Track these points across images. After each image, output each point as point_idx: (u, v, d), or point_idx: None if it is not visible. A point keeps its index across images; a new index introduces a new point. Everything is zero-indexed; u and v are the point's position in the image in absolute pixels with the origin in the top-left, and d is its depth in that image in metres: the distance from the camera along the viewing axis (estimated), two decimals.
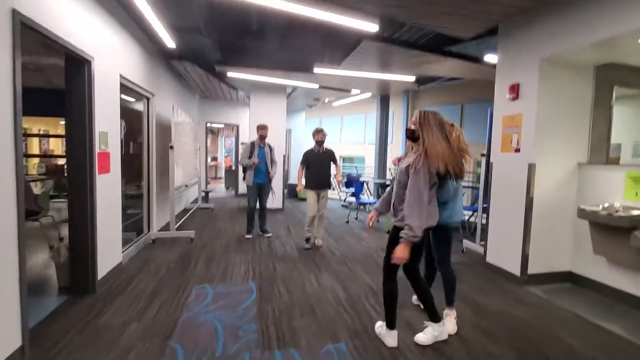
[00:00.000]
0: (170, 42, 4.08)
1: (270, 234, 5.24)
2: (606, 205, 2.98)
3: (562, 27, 3.11)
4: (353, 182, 8.70)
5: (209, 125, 9.22)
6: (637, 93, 4.35)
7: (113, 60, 3.41)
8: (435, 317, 2.39)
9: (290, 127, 10.50)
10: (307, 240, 4.67)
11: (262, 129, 4.95)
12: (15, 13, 1.97)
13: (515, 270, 3.60)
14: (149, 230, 4.87)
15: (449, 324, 2.53)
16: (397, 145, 11.64)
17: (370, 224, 2.53)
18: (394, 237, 2.23)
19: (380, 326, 2.47)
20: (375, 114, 8.33)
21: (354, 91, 7.61)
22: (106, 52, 3.23)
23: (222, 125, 11.44)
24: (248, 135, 7.32)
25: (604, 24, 2.75)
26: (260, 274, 3.67)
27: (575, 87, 3.50)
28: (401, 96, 10.66)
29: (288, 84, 6.40)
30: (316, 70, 5.16)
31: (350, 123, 11.13)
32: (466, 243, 4.70)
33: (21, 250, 2.06)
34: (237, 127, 9.33)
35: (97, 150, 3.04)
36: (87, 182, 2.94)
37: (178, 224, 5.70)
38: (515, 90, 3.59)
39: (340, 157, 15.59)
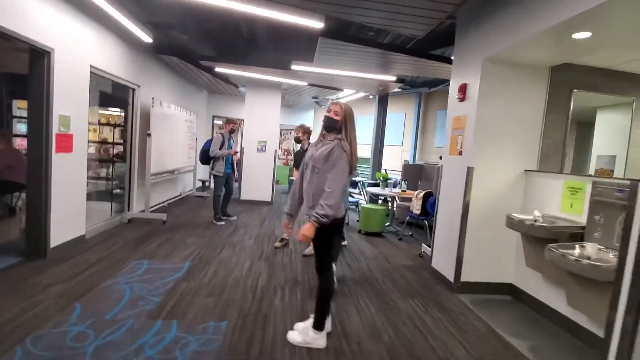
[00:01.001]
0: (146, 37, 4.42)
1: (234, 217, 5.68)
2: (536, 214, 2.81)
3: (505, 23, 2.91)
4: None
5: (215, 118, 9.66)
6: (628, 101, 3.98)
7: (81, 51, 3.79)
8: (319, 325, 2.28)
9: (296, 124, 10.69)
10: (282, 239, 4.47)
11: (233, 124, 5.21)
12: None
13: (451, 276, 3.49)
14: (128, 210, 5.29)
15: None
16: (407, 147, 11.44)
17: (287, 233, 2.53)
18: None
19: (301, 333, 2.32)
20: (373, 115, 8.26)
21: (349, 91, 7.62)
22: (71, 44, 3.61)
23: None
24: (246, 129, 7.60)
25: (540, 16, 2.52)
26: (201, 256, 3.88)
27: (527, 89, 3.31)
28: (413, 98, 10.48)
29: (274, 80, 6.58)
30: (293, 67, 5.29)
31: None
32: (424, 247, 4.59)
33: None
34: (242, 121, 9.67)
35: (54, 131, 3.42)
36: (43, 159, 3.33)
37: (159, 207, 6.12)
38: (462, 90, 3.48)
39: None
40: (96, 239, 4.18)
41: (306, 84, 6.69)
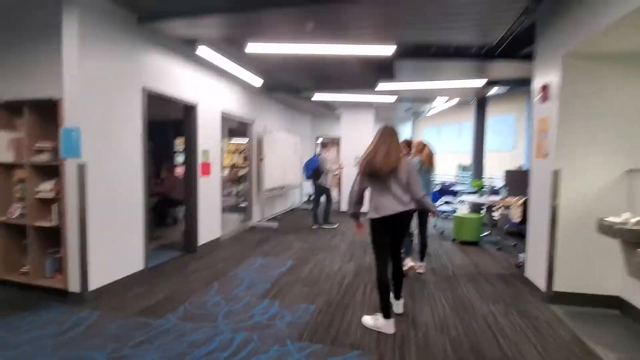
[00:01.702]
0: (257, 82, 5.60)
1: (336, 224, 6.50)
2: (627, 216, 2.57)
3: (582, 13, 2.71)
4: (444, 192, 8.55)
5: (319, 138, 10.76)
6: None
7: (215, 102, 5.13)
8: (384, 313, 2.62)
9: None
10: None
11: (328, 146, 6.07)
12: (144, 88, 3.69)
13: (542, 285, 3.33)
14: (250, 220, 6.56)
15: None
16: (520, 151, 10.37)
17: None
18: (391, 225, 2.65)
19: (373, 317, 2.72)
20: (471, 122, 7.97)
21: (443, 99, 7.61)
22: (209, 97, 4.95)
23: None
24: (343, 146, 8.37)
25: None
26: (302, 257, 4.64)
27: (620, 81, 3.01)
28: (524, 97, 9.56)
29: (364, 101, 7.14)
30: (379, 87, 5.78)
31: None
32: (523, 257, 4.34)
33: (144, 218, 3.76)
34: (339, 139, 10.54)
35: (200, 161, 4.74)
36: (193, 182, 4.66)
37: (273, 217, 7.29)
38: (544, 91, 3.37)
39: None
40: (227, 241, 5.43)
41: (394, 99, 7.05)
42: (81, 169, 3.06)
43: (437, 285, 3.69)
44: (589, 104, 3.07)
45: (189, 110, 4.62)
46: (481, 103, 7.57)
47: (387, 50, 3.96)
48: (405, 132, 11.18)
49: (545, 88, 3.36)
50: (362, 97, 6.87)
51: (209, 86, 4.99)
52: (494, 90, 7.65)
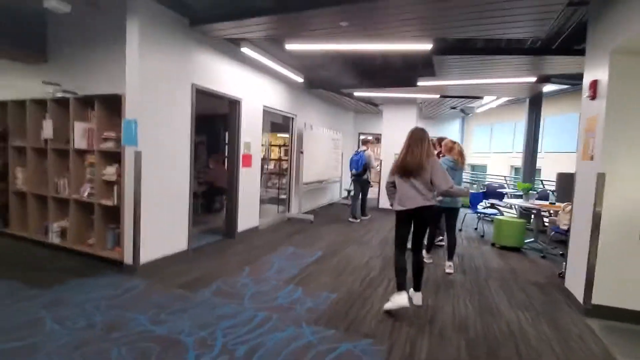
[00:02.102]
0: (299, 78, 5.81)
1: (368, 216, 6.83)
2: None
3: (636, 4, 2.49)
4: (490, 194, 8.12)
5: (361, 135, 10.78)
6: None
7: (257, 97, 5.43)
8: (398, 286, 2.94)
9: (441, 134, 10.62)
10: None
11: (369, 143, 6.20)
12: (193, 85, 4.06)
13: (580, 297, 3.11)
14: (288, 211, 6.85)
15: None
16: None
17: None
18: (413, 217, 2.96)
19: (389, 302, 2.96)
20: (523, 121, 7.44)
21: (489, 97, 7.21)
22: (252, 93, 5.26)
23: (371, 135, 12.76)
24: (384, 142, 8.34)
25: None
26: (332, 249, 4.78)
27: None
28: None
29: (406, 97, 7.02)
30: (419, 83, 5.68)
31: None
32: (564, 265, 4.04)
33: (190, 204, 4.17)
34: (380, 135, 10.44)
35: (242, 152, 5.08)
36: (234, 171, 5.01)
37: (312, 210, 7.51)
38: (593, 88, 3.12)
39: (468, 165, 13.73)
40: (265, 230, 5.75)
41: (438, 96, 6.85)
42: (138, 156, 3.49)
43: (465, 286, 3.61)
44: (637, 103, 2.79)
45: (233, 105, 4.96)
46: (535, 101, 7.04)
47: (425, 46, 3.92)
48: (452, 130, 10.73)
49: (594, 84, 3.10)
50: (403, 93, 6.77)
51: (252, 82, 5.29)
52: (551, 87, 7.09)
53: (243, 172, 5.15)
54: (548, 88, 9.03)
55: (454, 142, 4.24)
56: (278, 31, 3.94)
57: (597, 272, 2.98)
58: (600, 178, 2.93)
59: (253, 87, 5.32)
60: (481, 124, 13.14)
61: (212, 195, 6.79)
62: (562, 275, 4.05)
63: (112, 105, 3.77)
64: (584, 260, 3.09)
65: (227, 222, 5.16)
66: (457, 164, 4.11)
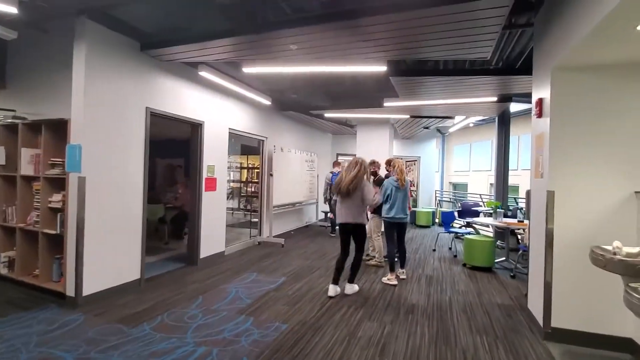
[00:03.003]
0: (266, 101, 5.81)
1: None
2: (616, 245, 2.25)
3: (569, 19, 2.49)
4: (466, 212, 8.10)
5: (340, 156, 10.78)
6: None
7: (222, 119, 5.38)
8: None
9: (419, 154, 10.71)
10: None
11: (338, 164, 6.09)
12: (147, 108, 3.99)
13: (540, 318, 3.00)
14: (259, 235, 6.67)
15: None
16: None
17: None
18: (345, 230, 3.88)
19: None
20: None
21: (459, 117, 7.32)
22: (215, 115, 5.21)
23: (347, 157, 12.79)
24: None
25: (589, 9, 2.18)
26: (297, 274, 4.61)
27: (618, 95, 2.73)
28: None
29: (380, 117, 7.08)
30: (385, 104, 5.73)
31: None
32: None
33: (143, 231, 4.00)
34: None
35: (205, 176, 4.96)
36: (197, 196, 4.88)
37: (286, 233, 7.34)
38: (539, 106, 3.15)
39: (449, 183, 13.86)
40: (232, 255, 5.55)
41: (408, 116, 6.92)
42: (82, 182, 3.35)
43: (427, 311, 3.47)
44: (581, 119, 2.81)
45: (195, 128, 4.89)
46: (503, 120, 7.16)
47: (379, 68, 3.95)
48: (430, 149, 10.83)
49: (539, 103, 3.13)
50: (373, 114, 6.82)
51: (215, 105, 5.25)
52: (524, 106, 7.24)
53: (206, 196, 5.02)
54: (522, 106, 9.27)
55: (393, 159, 4.75)
56: (232, 54, 3.94)
57: (555, 292, 2.89)
58: (550, 195, 2.90)
59: (216, 110, 5.28)
60: (460, 143, 13.34)
61: (181, 220, 6.59)
62: (527, 296, 3.95)
63: (60, 130, 3.65)
64: (541, 281, 3.01)
65: (189, 248, 4.97)
66: (400, 183, 4.40)
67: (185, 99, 4.63)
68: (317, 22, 2.95)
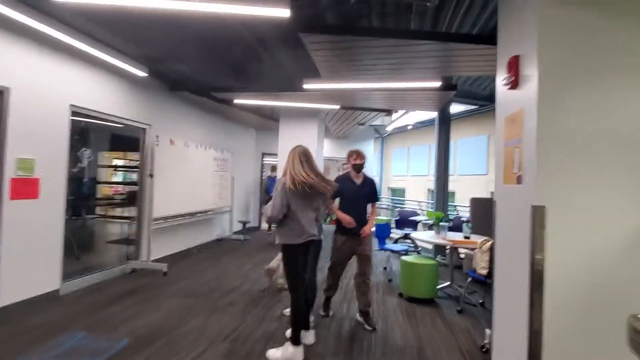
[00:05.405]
0: (137, 70, 4.10)
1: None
2: None
3: None
4: (403, 222, 7.15)
5: (265, 156, 9.27)
6: None
7: (55, 90, 3.54)
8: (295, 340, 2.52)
9: None
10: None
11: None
12: None
13: None
14: (136, 258, 4.84)
15: None
16: (493, 176, 9.17)
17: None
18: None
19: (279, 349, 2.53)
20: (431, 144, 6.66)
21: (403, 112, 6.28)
22: (41, 82, 3.38)
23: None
24: (281, 164, 6.88)
25: None
26: (156, 329, 2.97)
27: None
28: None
29: (304, 107, 5.74)
30: (306, 86, 4.37)
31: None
32: (489, 334, 2.83)
33: None
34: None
35: (9, 176, 3.10)
36: None
37: (182, 250, 5.60)
38: (513, 67, 1.97)
39: (388, 188, 13.27)
40: (71, 296, 3.69)
41: (338, 107, 5.66)
42: None
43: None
44: (589, 87, 1.68)
45: None
46: (443, 120, 6.28)
47: (278, 11, 2.55)
48: (368, 151, 9.83)
49: (514, 64, 1.96)
50: (293, 103, 5.45)
51: (40, 67, 3.41)
52: (460, 108, 6.47)
53: (16, 207, 3.16)
54: (457, 108, 8.66)
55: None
56: None
57: (546, 349, 1.70)
58: (538, 213, 1.71)
59: (45, 74, 3.44)
60: (399, 146, 12.69)
61: None
62: (485, 350, 2.82)
63: None
64: (522, 333, 1.80)
65: None
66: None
67: None
68: None
